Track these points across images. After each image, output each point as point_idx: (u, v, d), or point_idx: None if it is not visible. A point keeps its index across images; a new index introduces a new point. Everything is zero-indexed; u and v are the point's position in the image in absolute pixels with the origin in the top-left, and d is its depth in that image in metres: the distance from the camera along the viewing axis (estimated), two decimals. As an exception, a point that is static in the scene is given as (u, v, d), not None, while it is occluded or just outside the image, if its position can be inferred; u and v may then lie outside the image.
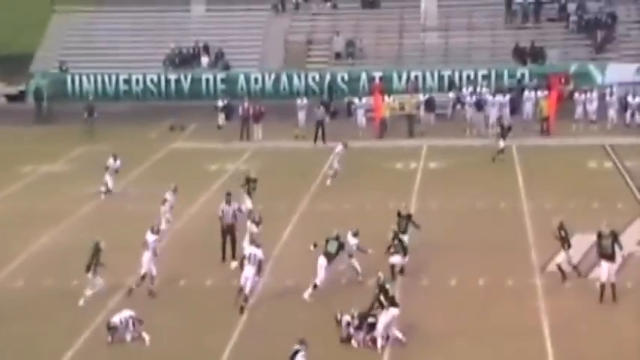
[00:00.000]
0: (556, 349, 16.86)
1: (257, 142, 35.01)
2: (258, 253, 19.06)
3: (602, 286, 18.74)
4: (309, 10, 45.51)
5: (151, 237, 20.07)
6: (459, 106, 36.26)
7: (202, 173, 30.59)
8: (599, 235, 19.02)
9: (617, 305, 18.65)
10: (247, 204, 24.20)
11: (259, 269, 19.01)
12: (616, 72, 38.12)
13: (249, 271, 18.88)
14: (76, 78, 42.66)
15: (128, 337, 17.68)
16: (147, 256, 19.89)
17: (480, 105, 35.23)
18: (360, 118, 36.21)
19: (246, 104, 36.06)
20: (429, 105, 36.07)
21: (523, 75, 39.01)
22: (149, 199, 27.28)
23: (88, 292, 19.46)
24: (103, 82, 42.40)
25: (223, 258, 21.87)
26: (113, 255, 22.42)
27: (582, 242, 22.05)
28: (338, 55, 42.42)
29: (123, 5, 45.48)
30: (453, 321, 18.20)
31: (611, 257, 18.80)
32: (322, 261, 19.59)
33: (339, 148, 28.50)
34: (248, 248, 19.62)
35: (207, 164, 31.66)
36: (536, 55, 40.27)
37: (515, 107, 35.78)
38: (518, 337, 17.41)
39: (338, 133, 34.86)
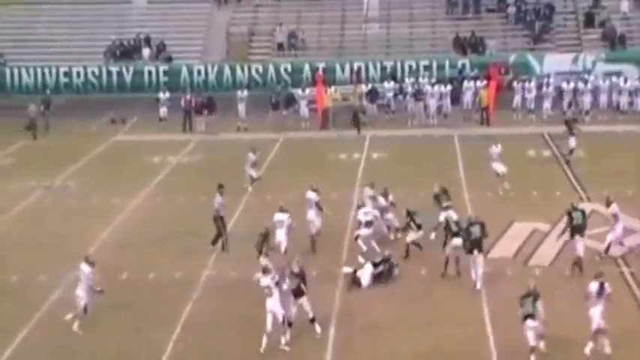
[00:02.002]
0: (496, 335, 17.14)
1: (199, 134, 34.87)
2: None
3: (579, 259, 19.46)
4: (252, 2, 45.34)
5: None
6: (400, 97, 36.52)
7: (144, 166, 30.36)
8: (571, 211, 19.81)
9: (556, 292, 19.00)
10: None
11: None
12: (553, 62, 38.77)
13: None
14: (15, 71, 41.90)
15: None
16: None
17: (418, 95, 35.57)
18: (304, 109, 36.30)
19: (188, 96, 35.92)
20: (372, 96, 36.31)
21: (464, 65, 39.44)
22: (90, 193, 27.07)
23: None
24: (43, 74, 41.69)
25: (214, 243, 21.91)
26: (51, 250, 22.21)
27: (522, 230, 22.54)
28: (280, 47, 42.37)
29: (62, -4, 44.78)
30: (396, 310, 18.38)
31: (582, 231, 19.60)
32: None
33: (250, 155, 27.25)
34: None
35: (149, 157, 31.43)
36: (476, 45, 40.73)
37: (456, 97, 36.19)
38: (459, 324, 17.66)
39: (280, 124, 35.11)
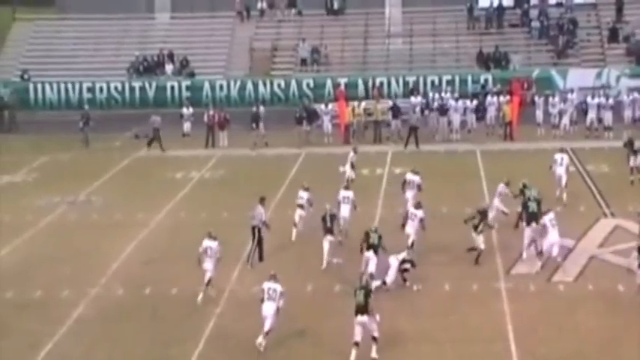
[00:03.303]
0: (520, 351, 17.02)
1: (222, 149, 34.98)
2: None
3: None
4: (274, 17, 45.56)
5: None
6: (427, 112, 36.40)
7: (167, 181, 30.48)
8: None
9: (580, 307, 18.89)
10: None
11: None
12: (577, 77, 38.60)
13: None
14: (39, 87, 42.28)
15: None
16: None
17: (442, 110, 35.52)
18: (327, 124, 36.37)
19: (211, 112, 36.07)
20: (394, 111, 36.31)
21: (486, 80, 39.36)
22: (114, 208, 27.21)
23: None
24: (67, 90, 42.05)
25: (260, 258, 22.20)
26: (75, 266, 22.34)
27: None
28: (303, 62, 42.50)
29: (86, 13, 45.18)
30: (419, 326, 18.30)
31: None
32: (369, 254, 20.10)
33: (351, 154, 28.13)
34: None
35: (172, 172, 31.56)
36: (499, 60, 40.65)
37: (481, 113, 36.13)
38: (483, 340, 17.55)
39: (303, 139, 35.17)
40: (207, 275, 19.98)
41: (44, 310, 19.65)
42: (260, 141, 34.97)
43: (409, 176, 24.86)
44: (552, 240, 20.91)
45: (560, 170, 25.70)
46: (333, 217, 21.79)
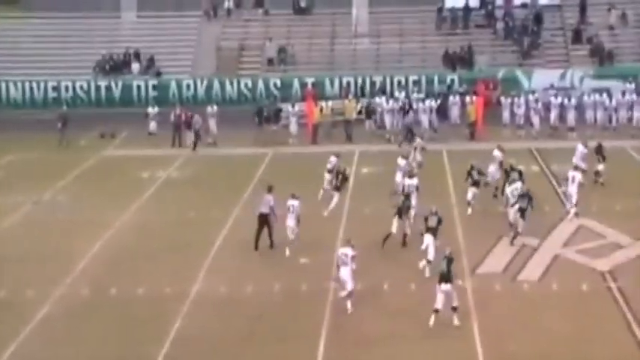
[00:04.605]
0: (486, 350, 17.16)
1: (189, 148, 34.87)
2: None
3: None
4: (241, 17, 45.45)
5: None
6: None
7: (134, 181, 30.32)
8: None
9: (545, 306, 19.09)
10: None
11: None
12: (542, 77, 38.98)
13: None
14: (3, 85, 41.79)
15: None
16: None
17: (405, 110, 35.81)
18: (293, 124, 36.48)
19: (178, 111, 35.97)
20: (368, 111, 36.66)
21: (452, 80, 39.61)
22: (79, 208, 27.01)
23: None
24: (31, 89, 41.63)
25: (256, 247, 22.48)
26: (40, 265, 22.17)
27: (510, 245, 22.60)
28: (270, 62, 42.46)
29: (51, 12, 44.74)
30: (385, 325, 18.36)
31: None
32: (428, 238, 20.51)
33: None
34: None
35: (139, 172, 31.39)
36: (465, 61, 40.93)
37: (444, 112, 36.52)
38: (449, 339, 17.66)
39: (269, 139, 35.20)
40: (289, 231, 22.02)
41: (8, 310, 19.45)
42: (211, 141, 35.23)
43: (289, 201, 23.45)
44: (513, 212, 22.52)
45: (571, 189, 24.76)
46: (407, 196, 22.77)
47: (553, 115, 36.08)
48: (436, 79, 39.79)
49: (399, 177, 25.77)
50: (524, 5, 43.13)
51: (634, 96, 36.82)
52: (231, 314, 19.06)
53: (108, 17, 45.54)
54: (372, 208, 25.33)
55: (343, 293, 18.92)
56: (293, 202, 22.56)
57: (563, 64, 40.53)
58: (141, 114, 37.26)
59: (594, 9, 42.49)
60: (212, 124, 35.89)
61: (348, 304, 18.78)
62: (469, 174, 25.34)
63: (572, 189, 24.61)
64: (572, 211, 24.49)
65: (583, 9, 42.34)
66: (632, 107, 36.44)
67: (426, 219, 21.10)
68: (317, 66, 42.07)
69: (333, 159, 26.51)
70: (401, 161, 26.42)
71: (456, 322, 18.06)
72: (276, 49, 42.54)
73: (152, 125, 36.87)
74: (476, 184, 25.34)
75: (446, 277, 18.00)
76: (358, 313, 18.91)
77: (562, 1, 43.41)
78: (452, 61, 40.98)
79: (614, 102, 36.61)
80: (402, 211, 22.33)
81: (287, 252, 22.29)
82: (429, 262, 20.48)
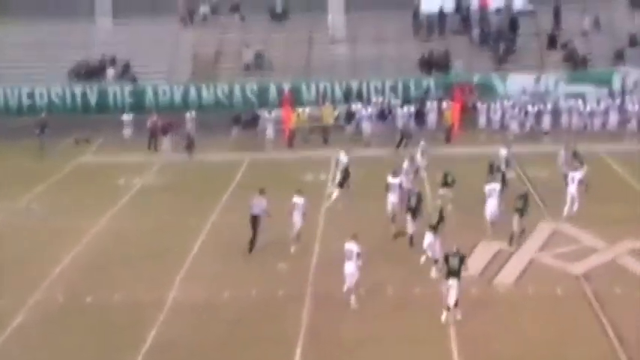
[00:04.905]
0: (462, 353, 17.25)
1: (165, 155, 34.81)
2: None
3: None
4: (218, 23, 45.39)
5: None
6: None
7: (110, 187, 30.17)
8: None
9: (520, 310, 19.22)
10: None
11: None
12: (516, 82, 39.26)
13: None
14: (-23, 92, 41.43)
15: None
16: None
17: (382, 116, 36.02)
18: (270, 130, 36.54)
19: (154, 117, 35.94)
20: (349, 116, 36.81)
21: (429, 86, 39.78)
22: (54, 215, 26.85)
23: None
24: (5, 96, 41.29)
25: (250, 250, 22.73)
26: (16, 272, 22.02)
27: (487, 249, 22.74)
28: (247, 67, 42.43)
29: (25, 18, 44.43)
30: (361, 330, 18.42)
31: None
32: (429, 236, 21.07)
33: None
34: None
35: (115, 178, 31.26)
36: (441, 66, 41.11)
37: (421, 117, 36.75)
38: (425, 343, 17.75)
39: (246, 144, 35.20)
40: (296, 227, 22.59)
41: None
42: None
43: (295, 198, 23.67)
44: (489, 208, 23.25)
45: (571, 188, 25.22)
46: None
47: (529, 120, 36.53)
48: (412, 84, 39.93)
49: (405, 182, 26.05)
50: (498, 11, 43.38)
51: (609, 101, 37.25)
52: (208, 320, 19.04)
53: (83, 23, 45.29)
54: (349, 213, 25.36)
55: (347, 286, 19.51)
56: (298, 200, 22.88)
57: (537, 69, 40.79)
58: (117, 120, 37.14)
59: (568, 14, 42.81)
60: (190, 129, 35.93)
61: (352, 299, 19.34)
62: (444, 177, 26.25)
63: (572, 189, 25.10)
64: (567, 209, 25.06)
65: (557, 14, 42.67)
66: (607, 112, 36.90)
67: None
68: (294, 71, 42.08)
69: (343, 157, 28.00)
70: (405, 164, 27.02)
71: (459, 316, 18.59)
72: (253, 54, 42.52)
73: (127, 132, 36.78)
74: (446, 184, 26.03)
75: (455, 274, 18.62)
76: (336, 317, 18.95)
77: (536, 6, 43.71)
78: (428, 66, 41.15)
79: (588, 107, 37.04)
80: (415, 212, 22.82)
81: (292, 249, 22.69)
82: (435, 261, 20.87)
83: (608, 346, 17.39)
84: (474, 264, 21.73)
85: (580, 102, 37.21)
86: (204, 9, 45.53)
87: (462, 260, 18.81)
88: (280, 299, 20.01)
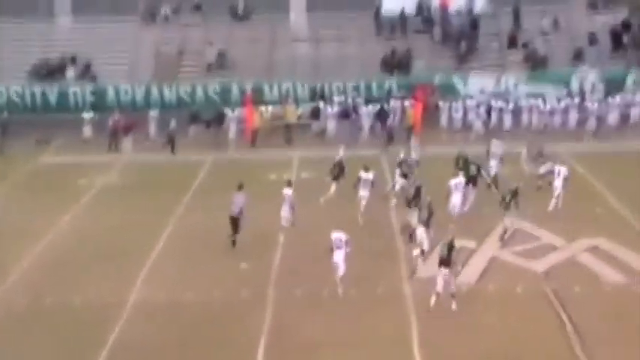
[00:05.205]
0: (424, 353, 17.35)
1: (127, 154, 34.59)
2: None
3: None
4: (180, 22, 45.14)
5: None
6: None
7: (70, 187, 29.89)
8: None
9: (482, 308, 19.39)
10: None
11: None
12: (477, 83, 39.56)
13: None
14: None
15: None
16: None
17: (344, 115, 36.14)
18: (232, 129, 36.49)
19: (116, 117, 35.70)
20: (315, 113, 36.86)
21: (391, 86, 39.94)
22: (14, 216, 26.55)
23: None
24: (-37, 95, 40.71)
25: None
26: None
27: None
28: (209, 67, 42.26)
29: (-17, 16, 43.87)
30: (324, 331, 18.46)
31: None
32: (420, 230, 21.34)
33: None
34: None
35: (75, 178, 30.96)
36: (402, 66, 41.29)
37: (383, 117, 36.94)
38: (387, 343, 17.83)
39: (209, 144, 35.08)
40: (283, 217, 23.29)
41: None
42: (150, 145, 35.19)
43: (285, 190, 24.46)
44: (453, 202, 24.10)
45: (557, 182, 25.83)
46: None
47: (492, 119, 36.93)
48: (374, 84, 40.06)
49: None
50: (459, 12, 43.66)
51: (568, 100, 37.74)
52: (170, 321, 18.96)
53: (42, 22, 44.79)
54: (311, 214, 25.36)
55: (337, 276, 20.03)
56: (287, 191, 23.53)
57: (498, 69, 41.15)
58: (77, 120, 36.82)
59: (528, 15, 43.22)
60: (152, 128, 35.78)
61: (340, 290, 19.89)
62: (399, 166, 27.02)
63: (558, 183, 25.71)
64: (553, 202, 25.62)
65: (517, 15, 43.07)
66: (567, 111, 37.40)
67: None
68: (256, 71, 41.98)
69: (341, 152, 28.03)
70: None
71: (454, 306, 19.05)
72: (215, 54, 42.37)
73: (87, 131, 36.51)
74: (404, 176, 26.71)
75: (446, 262, 19.05)
76: (299, 318, 18.96)
77: (496, 7, 44.08)
78: (390, 66, 41.31)
79: (548, 106, 37.52)
80: (414, 203, 23.33)
81: (281, 238, 23.26)
82: (422, 251, 21.19)
83: (567, 343, 17.61)
84: (436, 264, 21.84)
85: (540, 101, 37.68)
86: (165, 8, 45.25)
87: (451, 249, 19.27)
88: (243, 300, 19.99)
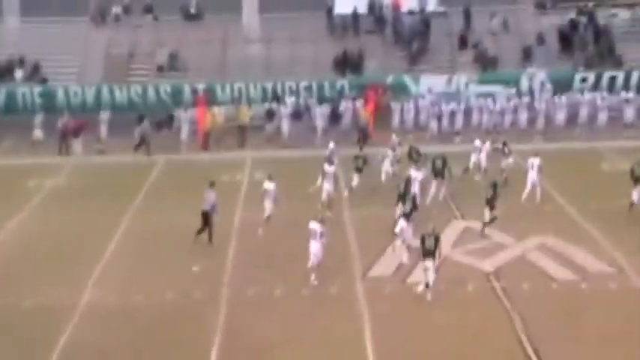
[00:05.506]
0: (377, 352, 17.45)
1: (77, 157, 34.25)
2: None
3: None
4: (130, 23, 44.78)
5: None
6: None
7: (19, 190, 29.49)
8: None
9: (433, 308, 19.56)
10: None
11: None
12: (429, 83, 39.90)
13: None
14: None
15: None
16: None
17: (297, 115, 36.33)
18: (185, 130, 36.33)
19: (65, 119, 35.33)
20: (269, 115, 36.86)
21: (343, 86, 40.10)
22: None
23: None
24: None
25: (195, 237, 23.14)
26: None
27: (400, 248, 23.01)
28: (160, 68, 41.99)
29: None
30: (278, 330, 18.48)
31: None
32: (402, 222, 21.81)
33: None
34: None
35: (24, 181, 30.56)
36: (354, 66, 41.47)
37: (335, 117, 37.14)
38: (340, 342, 17.88)
39: (162, 145, 34.85)
40: (267, 212, 23.92)
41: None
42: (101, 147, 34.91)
43: (265, 184, 24.85)
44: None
45: (532, 174, 26.74)
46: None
47: (444, 119, 37.37)
48: (327, 84, 40.18)
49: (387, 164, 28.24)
50: (411, 12, 43.97)
51: (518, 99, 38.28)
52: (122, 324, 18.82)
53: (-10, 22, 44.16)
54: (262, 214, 25.35)
55: (311, 265, 20.55)
56: (269, 185, 24.14)
57: (449, 69, 41.56)
58: (26, 122, 36.34)
59: (478, 16, 43.70)
60: (103, 130, 35.45)
61: (313, 276, 20.46)
62: (355, 160, 27.75)
63: (532, 174, 26.64)
64: (526, 194, 26.49)
65: (467, 16, 43.53)
66: (517, 111, 37.95)
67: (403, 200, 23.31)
68: (208, 72, 41.86)
69: (331, 145, 29.23)
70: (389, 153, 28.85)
71: (429, 298, 19.56)
72: (167, 55, 42.11)
73: (37, 133, 36.08)
74: (359, 170, 27.36)
75: (431, 254, 19.52)
76: (252, 318, 18.95)
77: (448, 8, 44.50)
78: (342, 66, 41.46)
79: (498, 106, 38.02)
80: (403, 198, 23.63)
81: (260, 231, 23.85)
82: (407, 247, 21.76)
83: (517, 341, 17.85)
84: (387, 264, 22.05)
85: (490, 101, 38.14)
86: (116, 9, 44.85)
87: (437, 240, 19.70)
88: (196, 301, 19.91)
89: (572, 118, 37.99)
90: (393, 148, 29.75)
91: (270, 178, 24.48)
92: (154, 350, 17.67)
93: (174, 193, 28.26)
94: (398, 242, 22.13)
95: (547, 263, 22.03)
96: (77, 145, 34.78)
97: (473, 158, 29.25)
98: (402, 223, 21.91)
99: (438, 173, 26.75)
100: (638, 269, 21.28)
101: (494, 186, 24.24)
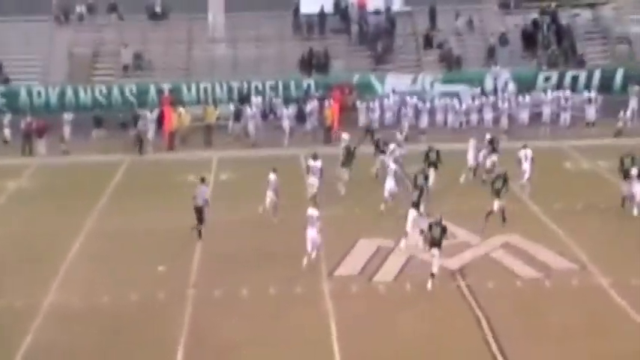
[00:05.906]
0: (343, 351, 17.50)
1: (41, 157, 33.92)
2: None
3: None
4: (94, 22, 44.41)
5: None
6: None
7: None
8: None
9: (400, 307, 19.65)
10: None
11: None
12: (394, 82, 40.04)
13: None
14: None
15: None
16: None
17: (264, 115, 36.50)
18: (150, 130, 36.11)
19: (28, 119, 34.98)
20: (237, 115, 36.87)
21: (309, 86, 40.12)
22: None
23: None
24: None
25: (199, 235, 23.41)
26: None
27: (367, 247, 23.13)
28: (125, 68, 41.70)
29: None
30: (244, 330, 18.46)
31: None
32: (412, 212, 22.56)
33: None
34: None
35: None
36: (321, 66, 41.50)
37: (301, 117, 37.15)
38: (307, 342, 17.91)
39: (127, 146, 34.66)
40: (269, 202, 24.67)
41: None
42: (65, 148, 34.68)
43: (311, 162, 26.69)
44: (387, 187, 25.78)
45: (525, 166, 27.54)
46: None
47: (409, 118, 37.61)
48: (293, 84, 40.18)
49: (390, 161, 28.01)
50: (377, 12, 44.10)
51: (483, 99, 38.58)
52: (87, 326, 18.68)
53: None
54: (231, 216, 25.30)
55: (313, 253, 21.17)
56: (271, 176, 24.75)
57: (414, 69, 41.74)
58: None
59: (444, 15, 43.94)
60: (66, 131, 35.20)
61: (305, 260, 21.01)
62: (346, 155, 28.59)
63: (526, 165, 27.42)
64: (527, 185, 27.36)
65: (432, 15, 43.74)
66: (482, 110, 38.26)
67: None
68: (174, 72, 41.67)
69: (345, 136, 30.11)
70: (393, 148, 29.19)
71: (429, 286, 20.03)
72: (132, 55, 41.83)
73: (6, 133, 35.74)
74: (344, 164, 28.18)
75: (437, 243, 20.04)
76: (218, 318, 18.91)
77: (413, 7, 44.68)
78: (308, 66, 41.47)
79: (464, 106, 38.32)
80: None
81: (275, 220, 24.58)
82: (421, 231, 22.11)
83: (482, 339, 17.98)
84: (354, 262, 22.11)
85: (455, 100, 38.42)
86: (80, 8, 44.45)
87: (444, 230, 20.26)
88: (161, 302, 19.82)
89: (535, 117, 38.38)
90: (399, 145, 30.31)
91: (274, 171, 25.05)
92: (119, 351, 17.57)
93: (139, 194, 28.12)
94: (402, 243, 22.72)
95: (512, 261, 22.22)
96: (41, 145, 34.46)
97: (470, 156, 29.43)
98: (412, 214, 22.66)
99: (431, 164, 27.62)
100: (600, 266, 21.55)
101: (504, 177, 24.71)
